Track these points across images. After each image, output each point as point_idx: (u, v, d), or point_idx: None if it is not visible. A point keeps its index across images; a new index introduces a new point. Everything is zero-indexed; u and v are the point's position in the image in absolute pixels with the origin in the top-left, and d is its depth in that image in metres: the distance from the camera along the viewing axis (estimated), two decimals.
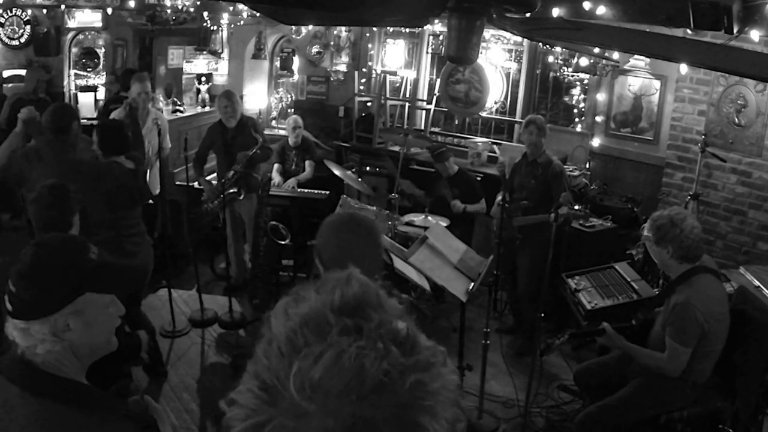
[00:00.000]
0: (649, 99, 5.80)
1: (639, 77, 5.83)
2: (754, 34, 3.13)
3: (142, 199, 3.95)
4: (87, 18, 7.39)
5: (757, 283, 3.68)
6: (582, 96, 6.26)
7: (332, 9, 2.76)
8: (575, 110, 6.32)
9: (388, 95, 7.20)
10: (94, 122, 5.71)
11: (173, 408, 3.85)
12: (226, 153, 5.27)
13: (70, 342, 1.38)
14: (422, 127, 7.23)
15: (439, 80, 6.94)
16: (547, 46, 5.93)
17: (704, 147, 4.91)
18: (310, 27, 7.24)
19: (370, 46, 7.50)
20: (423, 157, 6.30)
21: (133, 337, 2.86)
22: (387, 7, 2.56)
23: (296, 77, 8.11)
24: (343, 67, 7.60)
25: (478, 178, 5.72)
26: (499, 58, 6.79)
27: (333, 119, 7.53)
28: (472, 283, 3.56)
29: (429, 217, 5.00)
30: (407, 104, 7.33)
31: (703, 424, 3.12)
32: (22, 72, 7.37)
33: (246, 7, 6.53)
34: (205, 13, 7.15)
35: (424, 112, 7.26)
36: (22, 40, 7.55)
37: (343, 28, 7.37)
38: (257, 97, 8.24)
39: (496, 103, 6.88)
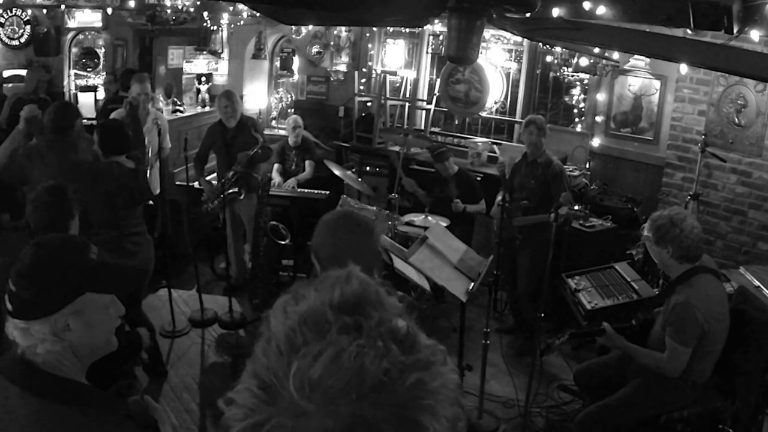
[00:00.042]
0: (649, 99, 5.80)
1: (639, 77, 5.83)
2: (754, 34, 3.13)
3: (143, 198, 3.95)
4: (87, 18, 7.40)
5: (757, 283, 3.68)
6: (582, 96, 6.26)
7: (332, 9, 2.76)
8: (575, 110, 6.32)
9: (388, 95, 7.20)
10: (94, 122, 5.71)
11: (173, 408, 3.85)
12: (226, 153, 5.27)
13: (70, 342, 1.38)
14: (422, 127, 7.22)
15: (439, 80, 6.94)
16: (547, 46, 5.93)
17: (704, 147, 4.91)
18: (310, 27, 7.24)
19: (370, 46, 7.50)
20: (423, 157, 6.30)
21: (133, 335, 2.86)
22: (387, 7, 2.56)
23: (296, 77, 8.11)
24: (343, 67, 7.60)
25: (478, 178, 5.72)
26: (499, 58, 6.79)
27: (333, 119, 7.53)
28: (472, 283, 3.56)
29: (429, 217, 5.00)
30: (407, 104, 7.33)
31: (703, 424, 3.12)
32: (22, 72, 7.38)
33: (246, 7, 6.53)
34: (205, 13, 7.15)
35: (424, 112, 7.26)
36: (22, 40, 7.56)
37: (343, 28, 7.37)
38: (257, 97, 8.24)
39: (496, 103, 6.88)
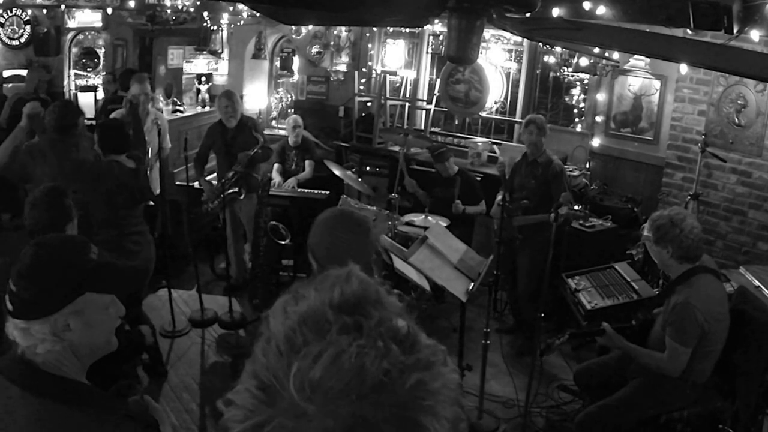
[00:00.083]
0: (649, 99, 5.80)
1: (639, 77, 5.83)
2: (754, 34, 3.13)
3: (143, 198, 3.95)
4: (87, 18, 7.41)
5: (757, 283, 3.68)
6: (582, 96, 6.26)
7: (332, 9, 2.76)
8: (575, 110, 6.32)
9: (388, 95, 7.20)
10: (94, 122, 5.71)
11: (173, 408, 3.85)
12: (226, 153, 5.27)
13: (70, 342, 1.38)
14: (422, 127, 7.22)
15: (439, 80, 6.94)
16: (547, 46, 5.93)
17: (704, 147, 4.91)
18: (310, 27, 7.24)
19: (370, 46, 7.50)
20: (423, 157, 6.30)
21: (135, 334, 2.86)
22: (387, 7, 2.56)
23: (296, 77, 8.11)
24: (343, 67, 7.60)
25: (478, 178, 5.72)
26: (499, 58, 6.79)
27: (333, 119, 7.53)
28: (472, 283, 3.56)
29: (429, 217, 5.00)
30: (407, 104, 7.33)
31: (703, 424, 3.12)
32: (22, 72, 7.38)
33: (246, 7, 6.53)
34: (205, 13, 7.15)
35: (424, 112, 7.26)
36: (22, 40, 7.57)
37: (343, 28, 7.38)
38: (257, 97, 8.24)
39: (496, 103, 6.88)
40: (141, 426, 1.44)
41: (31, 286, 1.35)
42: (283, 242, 5.07)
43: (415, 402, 0.59)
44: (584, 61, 5.84)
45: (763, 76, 2.86)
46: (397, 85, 7.47)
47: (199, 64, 7.93)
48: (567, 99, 6.44)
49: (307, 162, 6.09)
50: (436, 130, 7.24)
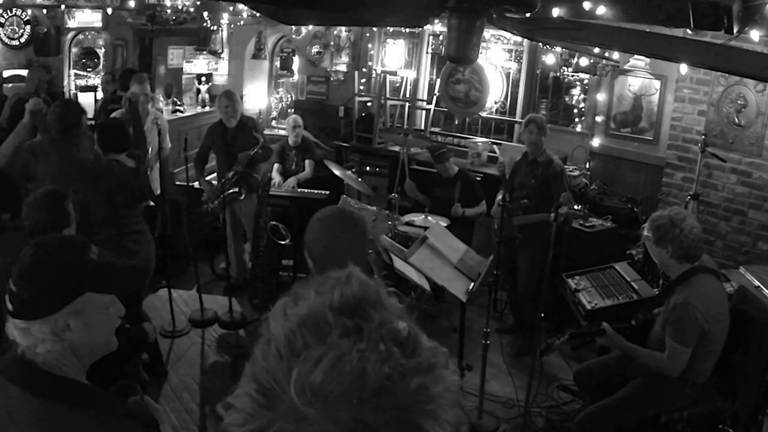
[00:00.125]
0: (649, 99, 5.80)
1: (639, 77, 5.83)
2: (754, 34, 3.13)
3: (143, 197, 3.95)
4: (87, 18, 7.41)
5: (757, 283, 3.68)
6: (582, 96, 6.26)
7: (332, 9, 2.76)
8: (575, 110, 6.32)
9: (388, 95, 7.20)
10: (93, 122, 5.71)
11: (173, 408, 3.85)
12: (226, 153, 5.27)
13: (70, 342, 1.38)
14: (422, 127, 7.22)
15: (439, 80, 6.94)
16: (547, 46, 5.93)
17: (704, 147, 4.91)
18: (310, 27, 7.24)
19: (370, 46, 7.50)
20: (423, 157, 6.30)
21: (137, 331, 2.85)
22: (387, 7, 2.56)
23: (296, 77, 8.11)
24: (343, 67, 7.60)
25: (478, 178, 5.72)
26: (499, 58, 6.79)
27: (333, 119, 7.53)
28: (472, 283, 3.56)
29: (429, 217, 5.00)
30: (407, 104, 7.33)
31: (703, 424, 3.12)
32: (23, 72, 7.38)
33: (246, 7, 6.53)
34: (205, 13, 7.15)
35: (424, 112, 7.26)
36: (22, 40, 7.57)
37: (343, 28, 7.38)
38: (257, 97, 8.24)
39: (496, 103, 6.88)
40: (141, 426, 1.44)
41: (31, 286, 1.35)
42: (283, 242, 5.07)
43: (417, 406, 0.59)
44: (584, 61, 5.84)
45: (763, 76, 2.86)
46: (397, 85, 7.47)
47: (199, 64, 7.93)
48: (567, 99, 6.44)
49: (307, 162, 6.09)
50: (436, 130, 7.24)
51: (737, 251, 5.25)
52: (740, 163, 5.18)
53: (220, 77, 8.19)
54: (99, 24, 7.39)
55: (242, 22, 7.65)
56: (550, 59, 6.28)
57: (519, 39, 6.31)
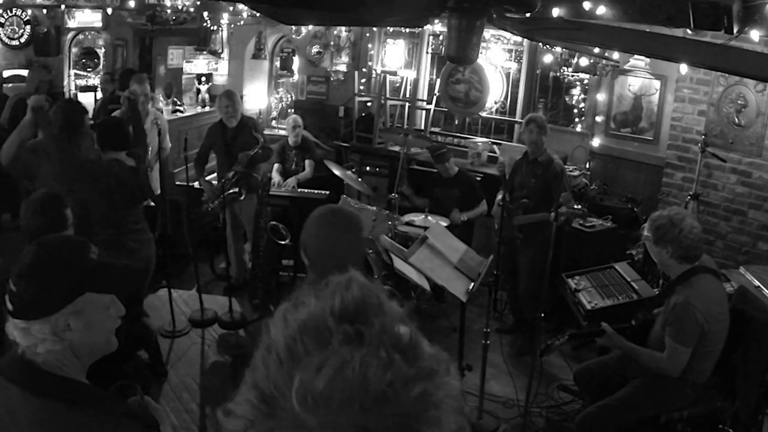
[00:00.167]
0: (649, 99, 5.80)
1: (639, 77, 5.83)
2: (754, 34, 3.13)
3: (143, 196, 3.95)
4: (87, 18, 7.41)
5: (757, 283, 3.68)
6: (582, 96, 6.26)
7: (332, 9, 2.76)
8: (575, 110, 6.32)
9: (388, 95, 7.20)
10: (92, 122, 5.70)
11: (173, 408, 3.85)
12: (226, 153, 5.27)
13: (70, 342, 1.38)
14: (422, 127, 7.22)
15: (439, 80, 6.94)
16: (547, 46, 5.93)
17: (704, 147, 4.91)
18: (310, 27, 7.24)
19: (370, 46, 7.50)
20: (423, 157, 6.30)
21: (139, 327, 2.85)
22: (387, 7, 2.57)
23: (296, 77, 8.11)
24: (343, 67, 7.60)
25: (478, 178, 5.72)
26: (499, 58, 6.79)
27: (333, 119, 7.54)
28: (472, 283, 3.56)
29: (429, 217, 5.00)
30: (407, 104, 7.33)
31: (703, 424, 3.12)
32: (23, 72, 7.38)
33: (246, 7, 6.53)
34: (205, 13, 7.15)
35: (424, 112, 7.26)
36: (22, 40, 7.57)
37: (343, 28, 7.38)
38: (257, 97, 8.24)
39: (496, 103, 6.88)
40: (141, 426, 1.44)
41: (31, 286, 1.35)
42: (283, 242, 5.07)
43: (419, 413, 0.58)
44: (584, 61, 5.84)
45: (763, 76, 2.86)
46: (397, 85, 7.47)
47: (199, 64, 7.93)
48: (567, 99, 6.44)
49: (307, 162, 6.09)
50: (436, 130, 7.24)
51: (737, 251, 5.25)
52: (740, 163, 5.18)
53: (220, 77, 8.19)
54: (99, 24, 7.39)
55: (242, 22, 7.65)
56: (549, 59, 6.28)
57: (519, 39, 6.31)
